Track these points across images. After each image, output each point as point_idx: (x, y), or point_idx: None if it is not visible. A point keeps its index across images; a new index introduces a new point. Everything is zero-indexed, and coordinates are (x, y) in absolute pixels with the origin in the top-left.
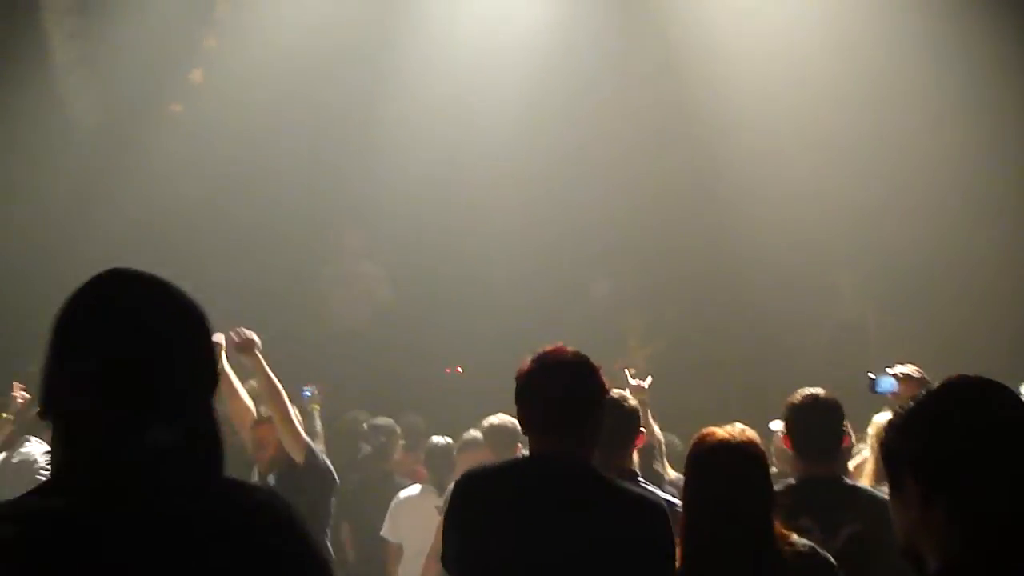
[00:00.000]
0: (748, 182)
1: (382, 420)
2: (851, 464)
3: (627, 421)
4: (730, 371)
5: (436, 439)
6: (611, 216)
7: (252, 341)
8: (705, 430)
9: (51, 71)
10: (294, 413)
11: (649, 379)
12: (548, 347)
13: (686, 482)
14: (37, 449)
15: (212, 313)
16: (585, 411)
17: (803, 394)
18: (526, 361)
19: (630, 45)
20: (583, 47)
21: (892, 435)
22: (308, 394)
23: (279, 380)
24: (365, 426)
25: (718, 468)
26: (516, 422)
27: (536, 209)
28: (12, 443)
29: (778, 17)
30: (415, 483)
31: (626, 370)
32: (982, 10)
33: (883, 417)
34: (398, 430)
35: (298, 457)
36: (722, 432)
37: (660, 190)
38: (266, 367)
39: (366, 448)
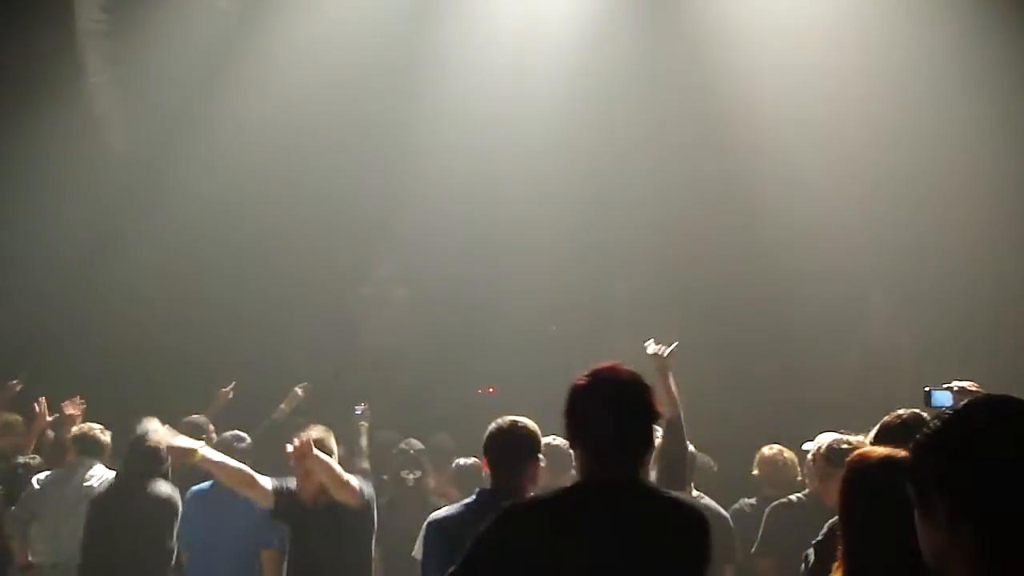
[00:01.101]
0: (782, 199)
1: (418, 443)
2: None
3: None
4: (760, 388)
5: (462, 460)
6: (644, 234)
7: (306, 447)
8: (861, 451)
9: (86, 94)
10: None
11: (671, 347)
12: (602, 364)
13: (845, 506)
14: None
15: (246, 337)
16: (647, 431)
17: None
18: (581, 378)
19: (663, 54)
20: (613, 56)
21: (918, 454)
22: (359, 411)
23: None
24: (409, 448)
25: (881, 491)
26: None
27: (568, 229)
28: (70, 463)
29: (818, 35)
30: (446, 503)
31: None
32: None
33: (827, 436)
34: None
35: (354, 504)
36: (880, 451)
37: (693, 204)
38: (325, 460)
39: (412, 476)
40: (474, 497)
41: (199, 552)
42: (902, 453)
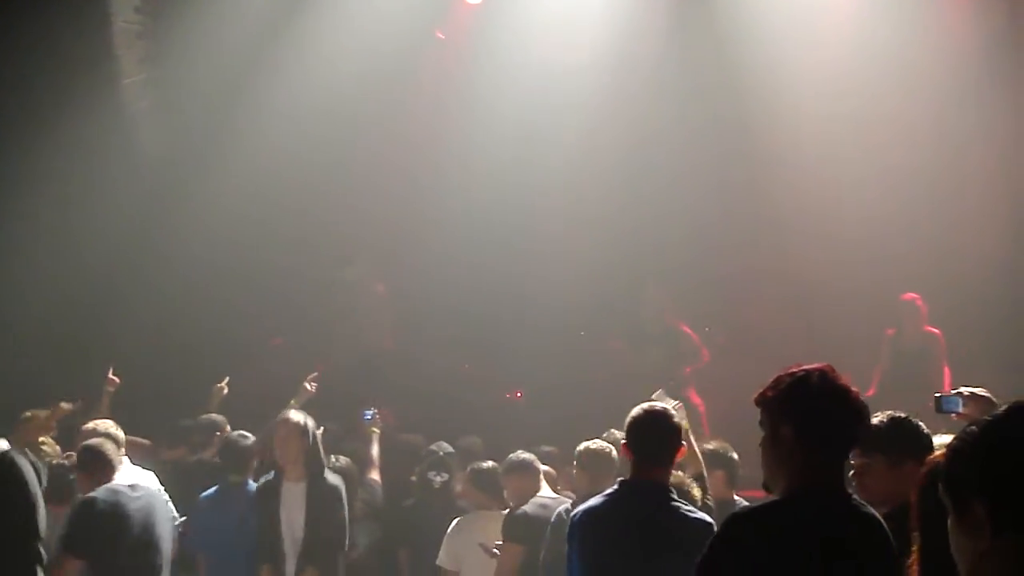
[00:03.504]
0: (811, 210)
1: (447, 445)
2: None
3: (677, 435)
4: None
5: (478, 464)
6: (667, 237)
7: None
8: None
9: (119, 95)
10: None
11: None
12: (815, 365)
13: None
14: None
15: (262, 337)
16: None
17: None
18: (800, 370)
19: (689, 63)
20: (645, 66)
21: (957, 460)
22: (368, 416)
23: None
24: (438, 450)
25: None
26: (612, 448)
27: (592, 232)
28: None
29: (847, 38)
30: (473, 507)
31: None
32: None
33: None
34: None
35: None
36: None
37: (719, 210)
38: None
39: (439, 478)
40: (616, 487)
41: (216, 552)
42: None
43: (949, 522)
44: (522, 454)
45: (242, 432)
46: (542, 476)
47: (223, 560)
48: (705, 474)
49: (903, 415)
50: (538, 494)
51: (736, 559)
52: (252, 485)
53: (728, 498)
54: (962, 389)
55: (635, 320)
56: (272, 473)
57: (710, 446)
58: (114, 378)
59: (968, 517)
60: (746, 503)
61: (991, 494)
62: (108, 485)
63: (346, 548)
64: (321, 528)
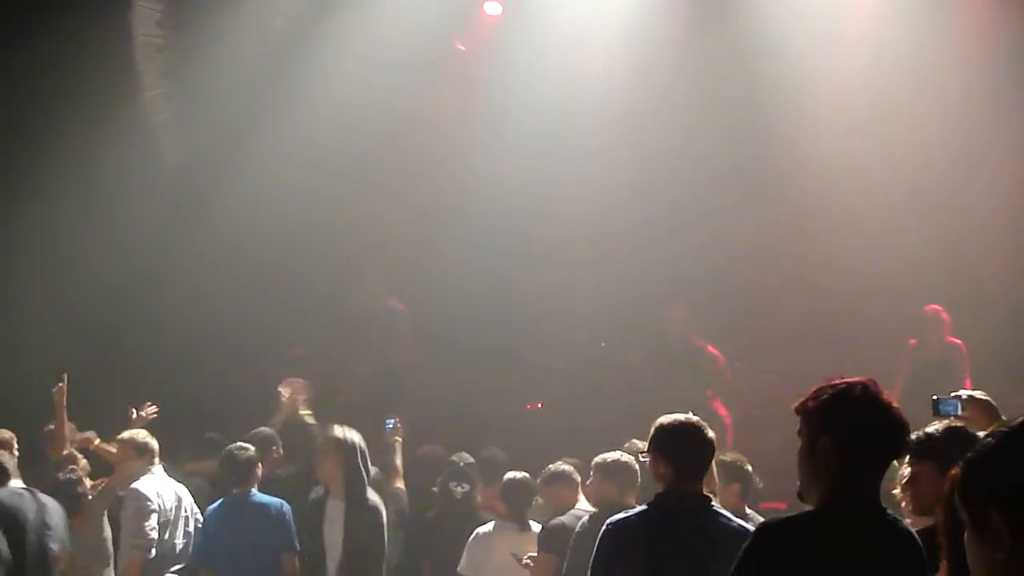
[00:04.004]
0: (829, 212)
1: (468, 456)
2: None
3: (713, 447)
4: None
5: (512, 474)
6: (686, 247)
7: None
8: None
9: (141, 108)
10: None
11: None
12: (857, 378)
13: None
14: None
15: (280, 349)
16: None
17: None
18: (840, 383)
19: (708, 74)
20: (658, 77)
21: (973, 471)
22: (391, 426)
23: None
24: (459, 461)
25: None
26: (633, 459)
27: (611, 242)
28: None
29: (866, 46)
30: (495, 517)
31: None
32: None
33: None
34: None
35: None
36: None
37: (739, 220)
38: None
39: (460, 489)
40: (654, 500)
41: (222, 565)
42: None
43: (966, 534)
44: (562, 464)
45: (241, 444)
46: (580, 488)
47: (229, 573)
48: (717, 491)
49: (959, 424)
50: (576, 506)
51: (767, 567)
52: (256, 495)
53: (741, 512)
54: (960, 392)
55: (655, 332)
56: (321, 489)
57: (726, 458)
58: (61, 385)
59: (985, 528)
60: (761, 518)
61: (1008, 504)
62: (10, 487)
63: (383, 569)
64: (358, 551)
